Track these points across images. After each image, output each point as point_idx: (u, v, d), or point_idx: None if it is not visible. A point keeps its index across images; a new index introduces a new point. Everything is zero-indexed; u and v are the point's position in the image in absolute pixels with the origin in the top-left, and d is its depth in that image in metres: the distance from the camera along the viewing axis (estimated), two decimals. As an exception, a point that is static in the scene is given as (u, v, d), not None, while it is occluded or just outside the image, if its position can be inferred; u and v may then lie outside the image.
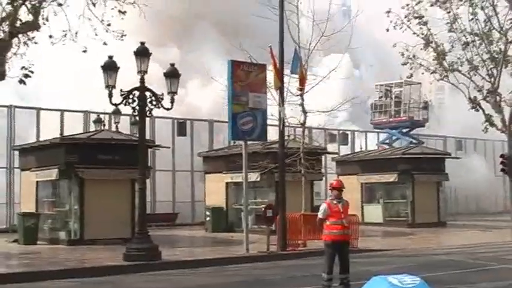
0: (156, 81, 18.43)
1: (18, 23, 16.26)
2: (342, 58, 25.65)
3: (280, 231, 19.11)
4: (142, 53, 16.94)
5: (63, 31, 16.62)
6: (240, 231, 22.11)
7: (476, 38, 27.62)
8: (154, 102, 17.28)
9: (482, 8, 27.51)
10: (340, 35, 24.35)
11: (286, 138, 21.69)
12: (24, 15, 16.32)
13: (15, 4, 16.09)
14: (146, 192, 18.57)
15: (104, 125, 28.85)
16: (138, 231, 17.47)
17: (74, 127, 29.78)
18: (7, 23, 16.22)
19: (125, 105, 17.19)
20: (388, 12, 27.06)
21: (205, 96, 38.70)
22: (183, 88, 30.93)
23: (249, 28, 40.62)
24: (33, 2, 16.27)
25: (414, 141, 41.92)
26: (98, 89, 17.42)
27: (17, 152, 27.61)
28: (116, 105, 17.41)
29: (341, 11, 59.36)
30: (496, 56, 27.47)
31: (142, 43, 17.04)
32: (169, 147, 30.68)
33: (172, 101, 17.63)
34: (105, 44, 16.73)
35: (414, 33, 27.71)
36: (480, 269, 15.37)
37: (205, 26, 48.20)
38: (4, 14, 16.14)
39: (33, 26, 16.41)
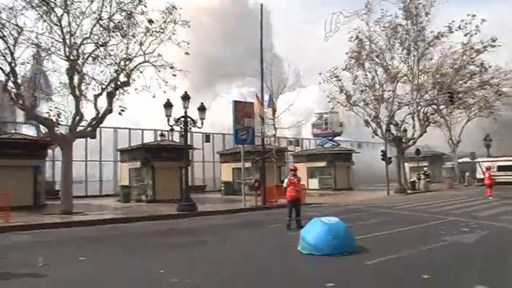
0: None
1: (119, 82, 16.35)
2: (296, 96, 25.40)
3: (262, 194, 19.22)
4: (185, 98, 16.96)
5: (142, 86, 16.72)
6: (240, 195, 22.13)
7: (367, 88, 27.97)
8: (192, 124, 17.34)
9: (369, 72, 27.98)
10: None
11: (265, 143, 21.76)
12: (122, 77, 16.46)
13: (117, 72, 16.22)
14: (188, 173, 18.59)
15: (165, 137, 28.83)
16: (184, 195, 17.57)
17: (149, 138, 29.72)
18: (113, 82, 16.33)
19: (176, 125, 17.27)
20: (320, 73, 27.49)
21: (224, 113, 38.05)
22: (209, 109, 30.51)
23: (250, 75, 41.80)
24: (126, 71, 16.39)
25: (335, 143, 42.04)
26: (161, 116, 17.36)
27: (118, 152, 27.37)
28: (171, 126, 17.46)
29: (294, 73, 58.81)
30: (377, 97, 27.85)
31: (186, 92, 17.02)
32: (200, 149, 30.59)
33: (202, 123, 17.61)
34: (164, 92, 16.75)
35: (334, 85, 28.06)
36: (372, 212, 15.64)
37: (223, 74, 48.81)
38: (111, 78, 16.26)
39: (127, 83, 16.52)
